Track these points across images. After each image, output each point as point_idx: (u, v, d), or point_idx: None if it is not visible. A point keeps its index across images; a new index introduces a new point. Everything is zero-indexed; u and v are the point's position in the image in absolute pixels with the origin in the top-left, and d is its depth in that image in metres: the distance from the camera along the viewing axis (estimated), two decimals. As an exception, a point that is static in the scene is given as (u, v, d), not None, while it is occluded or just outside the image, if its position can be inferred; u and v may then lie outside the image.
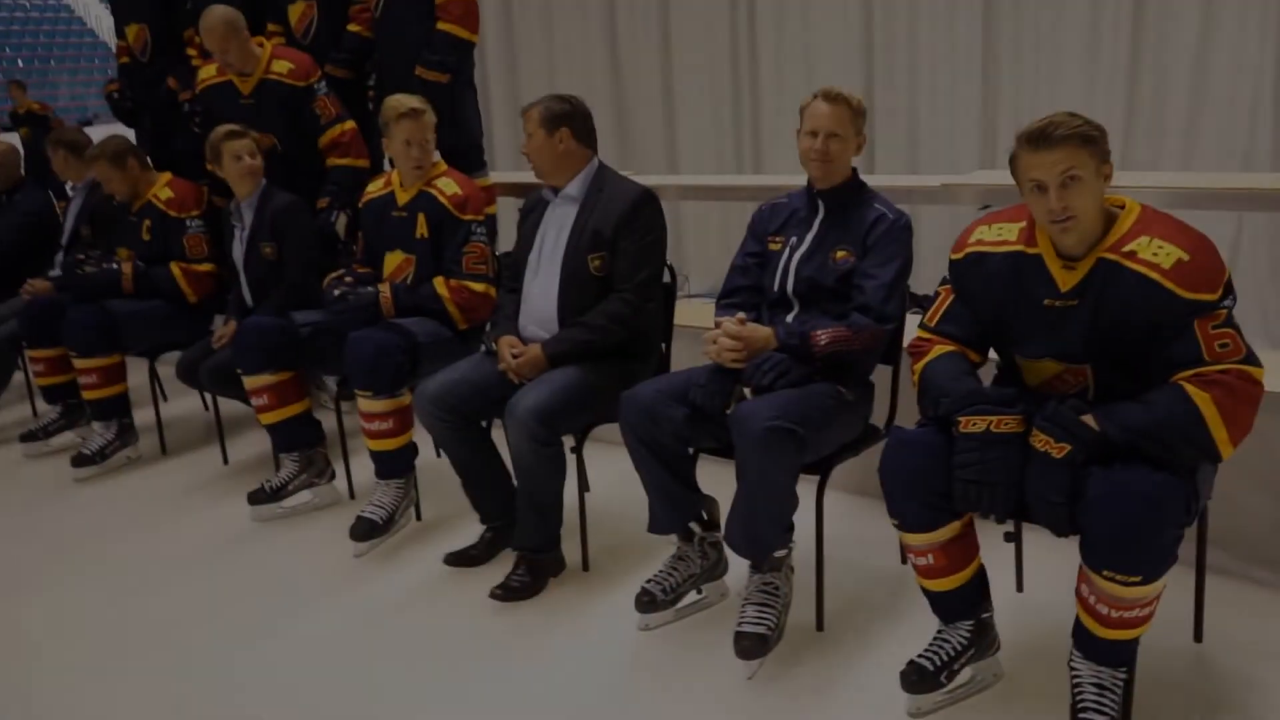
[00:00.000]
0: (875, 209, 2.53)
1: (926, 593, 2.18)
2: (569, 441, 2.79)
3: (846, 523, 2.98)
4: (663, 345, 3.04)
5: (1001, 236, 2.10)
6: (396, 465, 3.17)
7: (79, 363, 3.90)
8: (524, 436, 2.64)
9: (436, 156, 3.42)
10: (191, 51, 4.76)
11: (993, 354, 2.26)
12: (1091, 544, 1.85)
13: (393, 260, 3.35)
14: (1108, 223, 1.97)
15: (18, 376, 4.62)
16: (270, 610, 2.85)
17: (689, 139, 6.01)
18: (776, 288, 2.60)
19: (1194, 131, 4.58)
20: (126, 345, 3.97)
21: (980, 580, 2.18)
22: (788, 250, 2.61)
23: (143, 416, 4.14)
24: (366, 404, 3.08)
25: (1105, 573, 1.84)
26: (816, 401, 2.36)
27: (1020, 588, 2.66)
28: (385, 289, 3.27)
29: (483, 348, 3.00)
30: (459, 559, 2.98)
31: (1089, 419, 1.90)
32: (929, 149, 5.14)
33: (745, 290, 2.68)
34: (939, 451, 2.01)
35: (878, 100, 5.21)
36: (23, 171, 5.09)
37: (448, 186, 3.25)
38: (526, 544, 2.82)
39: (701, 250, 5.77)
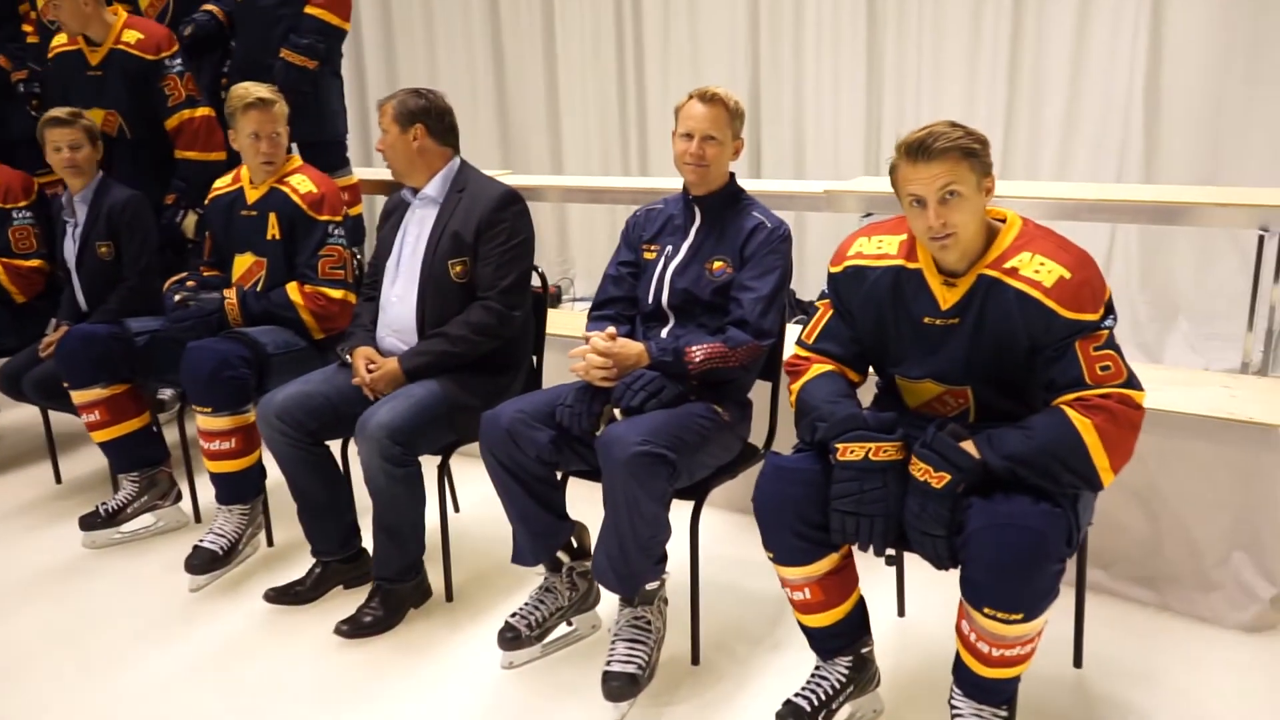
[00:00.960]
0: (753, 217, 2.40)
1: (804, 628, 2.05)
2: (433, 460, 2.58)
3: (725, 543, 2.86)
4: (533, 357, 2.86)
5: (882, 249, 1.99)
6: (241, 489, 2.90)
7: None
8: (375, 454, 2.43)
9: (292, 150, 3.16)
10: (27, 28, 4.35)
11: (873, 373, 2.15)
12: (971, 580, 1.75)
13: (242, 263, 3.07)
14: (989, 237, 1.87)
15: None
16: (93, 654, 2.55)
17: (574, 139, 5.82)
18: (651, 300, 2.44)
19: (1070, 140, 4.62)
20: (-58, 352, 3.58)
21: (860, 613, 2.06)
22: (662, 260, 2.45)
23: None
24: (206, 421, 2.80)
25: (986, 609, 1.74)
26: (690, 423, 2.21)
27: (902, 612, 2.57)
28: (231, 295, 2.99)
29: (338, 360, 2.76)
30: (283, 595, 2.74)
31: (969, 445, 1.79)
32: (815, 154, 5.07)
33: (619, 301, 2.52)
34: (815, 480, 1.89)
35: (764, 103, 5.11)
36: None
37: (301, 184, 2.99)
38: (381, 573, 2.60)
39: (588, 254, 5.59)
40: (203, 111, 3.76)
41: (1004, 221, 1.89)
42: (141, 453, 3.16)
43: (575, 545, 2.49)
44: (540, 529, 2.35)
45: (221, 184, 3.17)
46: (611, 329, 2.30)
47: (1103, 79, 4.51)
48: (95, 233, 3.36)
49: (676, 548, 2.28)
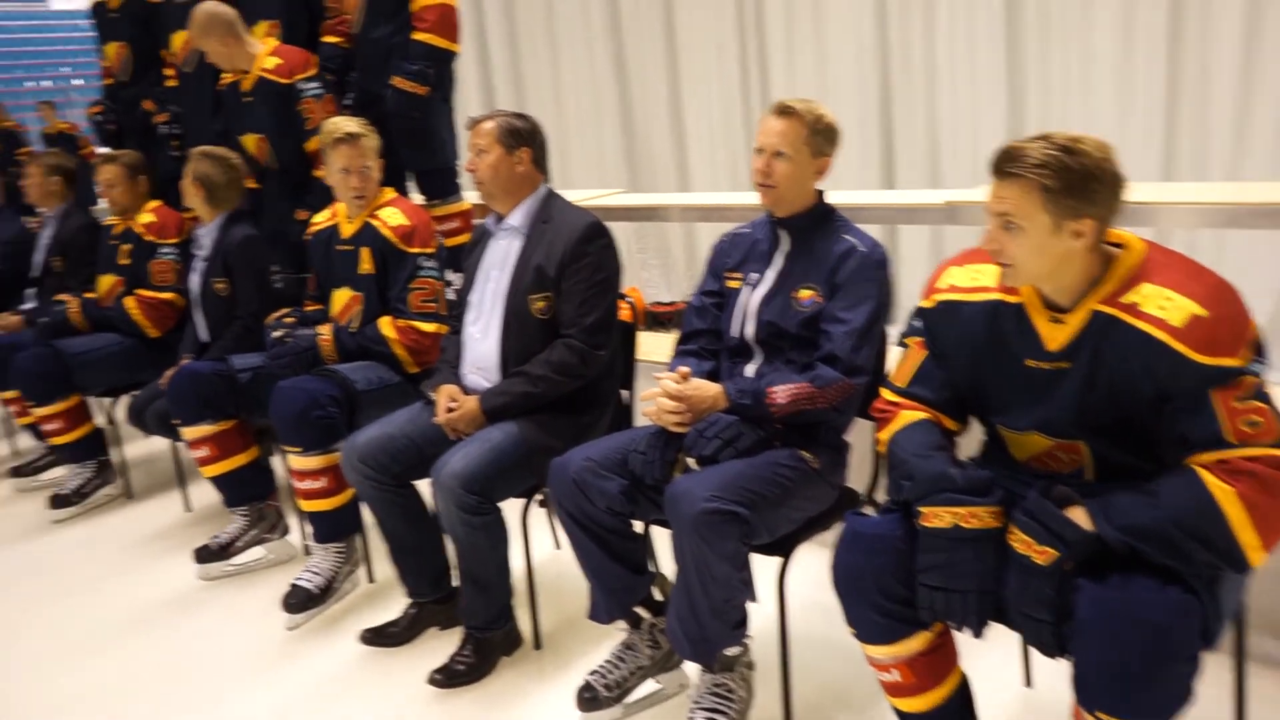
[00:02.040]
0: (844, 241, 2.16)
1: (897, 713, 1.81)
2: (516, 505, 2.47)
3: (820, 588, 2.62)
4: (624, 392, 2.70)
5: (978, 281, 1.73)
6: (335, 527, 2.88)
7: (37, 410, 3.70)
8: (451, 504, 2.33)
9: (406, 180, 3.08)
10: (168, 71, 4.55)
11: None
12: (1082, 678, 1.47)
13: (340, 298, 3.06)
14: (1103, 265, 1.59)
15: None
16: (190, 692, 2.57)
17: (699, 154, 5.64)
18: (735, 333, 2.25)
19: (1243, 140, 4.09)
20: (82, 386, 3.75)
21: (961, 699, 1.80)
22: (746, 289, 2.25)
23: (116, 455, 3.93)
24: (296, 460, 2.78)
25: (1099, 714, 1.46)
26: (770, 473, 2.00)
27: (1028, 681, 2.27)
28: (326, 331, 2.98)
29: (423, 398, 2.69)
30: (378, 637, 2.68)
31: (1080, 514, 1.52)
32: (952, 161, 4.70)
33: (703, 335, 2.34)
34: (899, 548, 1.65)
35: (897, 108, 4.78)
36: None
37: (392, 217, 2.95)
38: (470, 621, 2.51)
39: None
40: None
41: (1122, 246, 1.60)
42: (249, 486, 3.20)
43: (661, 598, 2.32)
44: (614, 585, 2.19)
45: (320, 219, 3.17)
46: (685, 368, 2.12)
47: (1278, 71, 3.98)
48: (214, 268, 3.43)
49: (763, 604, 2.07)
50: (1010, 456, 1.79)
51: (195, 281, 3.52)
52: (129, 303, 3.78)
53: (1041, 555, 1.50)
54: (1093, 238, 1.54)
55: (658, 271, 6.14)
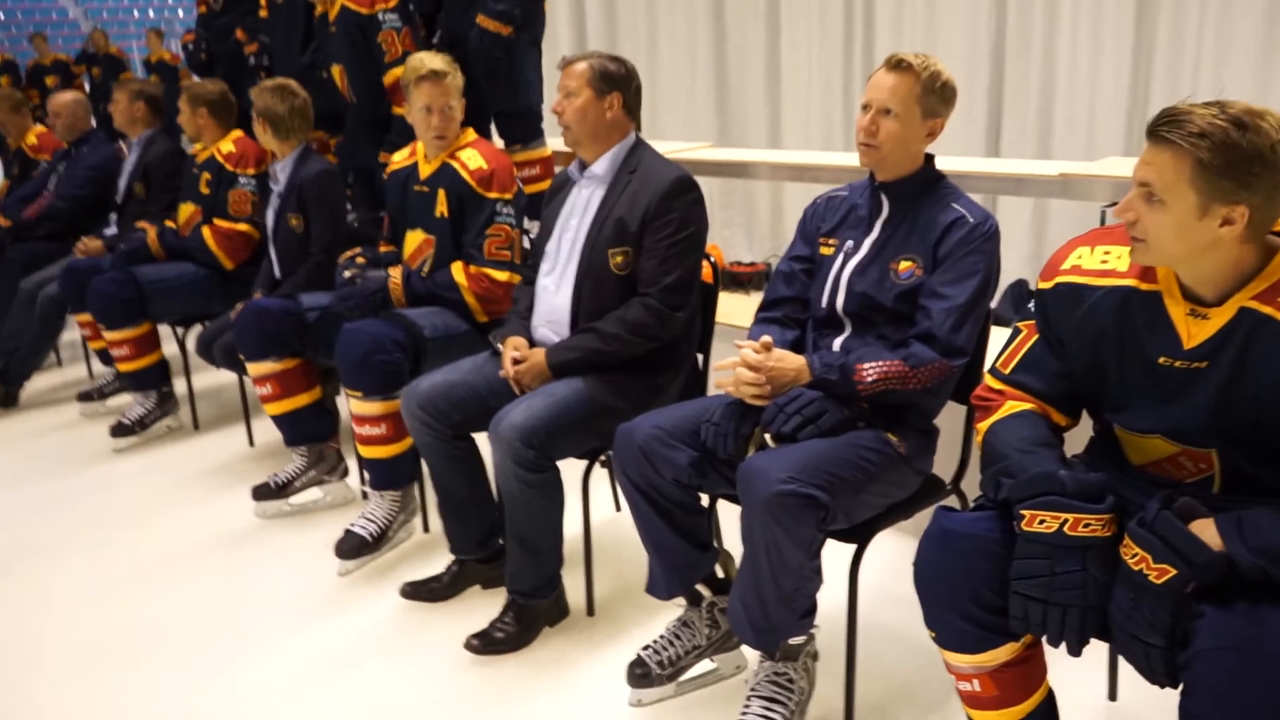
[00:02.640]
0: (952, 210, 1.99)
1: (973, 724, 1.67)
2: (577, 465, 2.37)
3: (899, 578, 2.47)
4: (699, 355, 2.57)
5: (1108, 264, 1.55)
6: (392, 475, 2.81)
7: (107, 334, 3.70)
8: (507, 458, 2.23)
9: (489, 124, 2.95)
10: (261, 0, 4.49)
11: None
12: (1193, 714, 1.31)
13: (413, 240, 2.97)
14: (1261, 259, 1.40)
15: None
16: (233, 635, 2.54)
17: (794, 112, 5.42)
18: (825, 303, 2.09)
19: None
20: (155, 315, 3.74)
21: (1047, 714, 1.65)
22: (840, 257, 2.09)
23: (184, 385, 3.93)
24: (357, 405, 2.72)
25: (1213, 756, 1.30)
26: (852, 455, 1.86)
27: (1113, 695, 2.11)
28: (396, 274, 2.90)
29: (491, 348, 2.59)
30: (418, 591, 2.62)
31: (1207, 530, 1.35)
32: (1066, 131, 4.40)
33: (790, 302, 2.19)
34: (993, 551, 1.50)
35: (1009, 75, 4.49)
36: (92, 122, 4.94)
37: (471, 159, 2.84)
38: (515, 586, 2.42)
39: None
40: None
41: (1282, 235, 1.41)
42: (310, 427, 3.16)
43: (723, 575, 2.20)
44: (676, 560, 2.08)
45: (399, 157, 3.07)
46: (767, 338, 1.97)
47: None
48: (289, 204, 3.38)
49: (832, 590, 1.95)
50: (1124, 458, 1.62)
51: (270, 217, 3.47)
52: (205, 232, 3.76)
53: (1158, 574, 1.34)
54: (1246, 227, 1.36)
55: (741, 230, 5.95)
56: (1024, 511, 1.45)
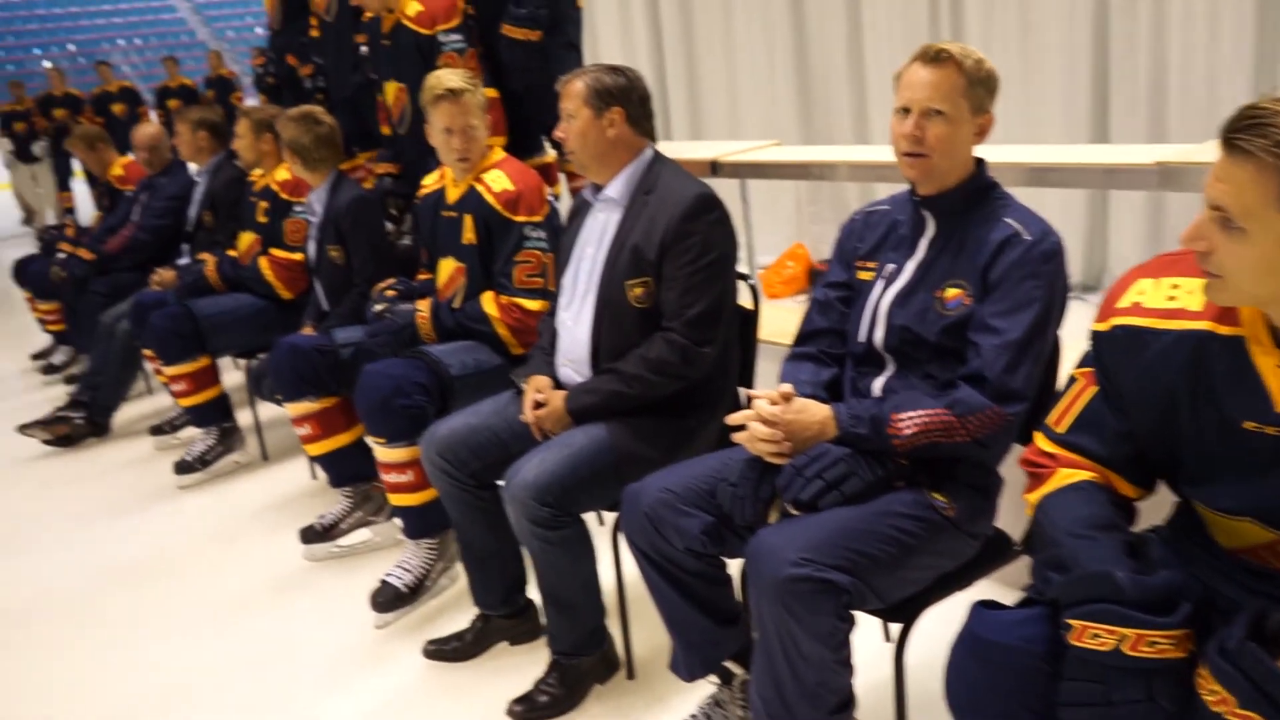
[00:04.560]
0: (1004, 226, 1.68)
1: None
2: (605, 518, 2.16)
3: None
4: (741, 390, 2.31)
5: (1177, 301, 1.24)
6: (425, 523, 2.65)
7: (165, 370, 3.69)
8: (522, 517, 2.04)
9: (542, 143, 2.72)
10: (314, 20, 4.40)
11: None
12: None
13: (446, 268, 2.80)
14: None
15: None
16: (258, 692, 2.45)
17: (881, 108, 5.02)
18: (862, 338, 1.81)
19: None
20: (213, 349, 3.70)
21: None
22: (880, 283, 1.81)
23: (251, 416, 3.89)
24: (381, 452, 2.56)
25: None
26: (883, 527, 1.58)
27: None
28: (424, 307, 2.73)
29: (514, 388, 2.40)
30: (441, 651, 2.44)
31: (1309, 659, 1.04)
32: (1180, 118, 3.88)
33: (825, 335, 1.91)
34: (1035, 667, 1.21)
35: (1114, 64, 3.98)
36: (170, 155, 4.99)
37: (496, 181, 2.64)
38: (556, 646, 2.23)
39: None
40: (484, 93, 3.43)
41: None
42: (353, 467, 3.03)
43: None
44: (695, 638, 1.84)
45: (428, 181, 2.91)
46: (787, 387, 1.70)
47: None
48: (327, 235, 3.27)
49: (874, 669, 1.67)
50: (1208, 538, 1.30)
51: (312, 249, 3.37)
52: (263, 262, 3.70)
53: (1238, 719, 1.03)
54: None
55: (830, 226, 5.58)
56: (1072, 622, 1.16)
